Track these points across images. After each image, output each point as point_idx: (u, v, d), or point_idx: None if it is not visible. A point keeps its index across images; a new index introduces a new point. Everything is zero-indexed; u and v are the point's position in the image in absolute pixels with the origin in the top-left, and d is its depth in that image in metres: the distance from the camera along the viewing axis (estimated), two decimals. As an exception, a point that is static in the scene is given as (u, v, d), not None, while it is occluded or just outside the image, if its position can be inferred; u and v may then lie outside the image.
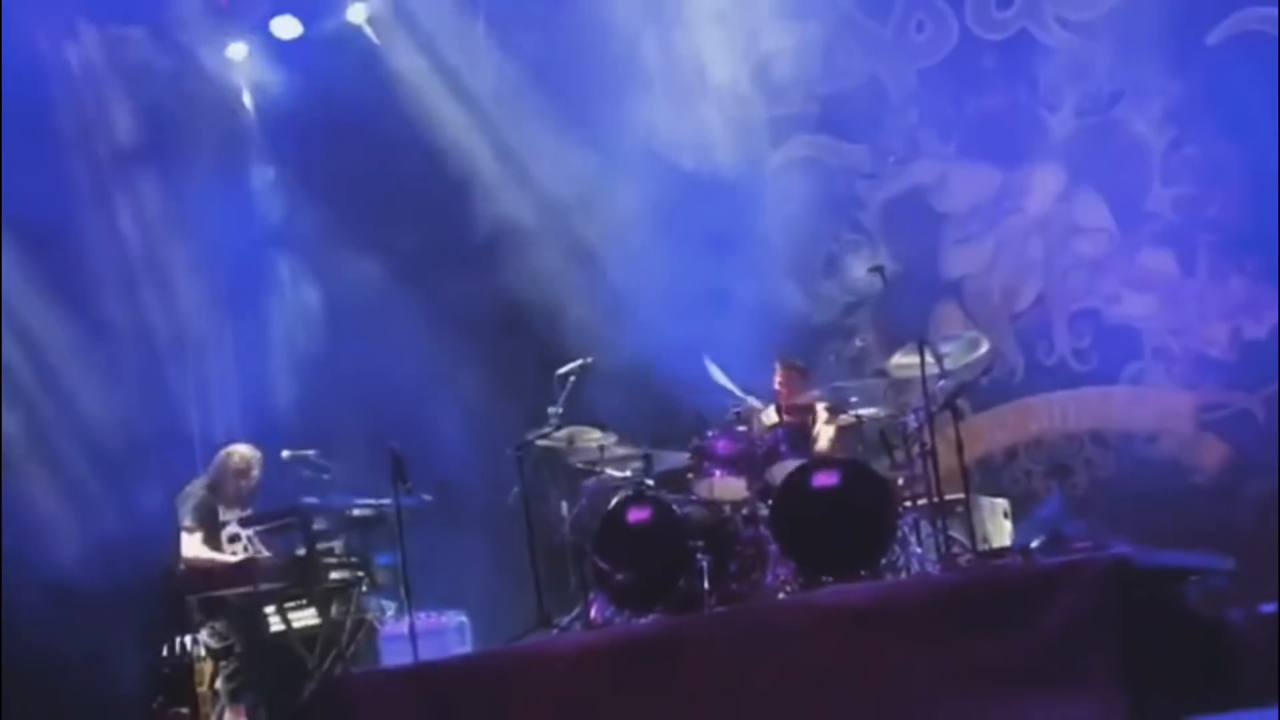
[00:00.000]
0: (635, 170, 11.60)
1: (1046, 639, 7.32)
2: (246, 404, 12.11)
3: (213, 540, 9.88)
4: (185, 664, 9.67)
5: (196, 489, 10.11)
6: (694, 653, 8.06)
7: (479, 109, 12.12)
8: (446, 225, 12.09)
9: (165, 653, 9.73)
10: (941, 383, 8.96)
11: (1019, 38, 11.14)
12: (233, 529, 9.95)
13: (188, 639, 9.74)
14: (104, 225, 11.91)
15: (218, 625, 9.76)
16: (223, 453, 10.28)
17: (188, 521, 9.92)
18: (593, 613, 9.22)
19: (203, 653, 9.71)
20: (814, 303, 11.61)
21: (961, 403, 9.30)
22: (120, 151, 12.05)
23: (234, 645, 9.75)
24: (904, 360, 9.10)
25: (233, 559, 9.84)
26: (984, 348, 9.45)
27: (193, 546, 9.83)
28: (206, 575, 9.77)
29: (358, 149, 12.16)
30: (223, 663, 9.74)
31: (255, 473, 10.16)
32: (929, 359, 8.83)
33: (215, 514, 9.96)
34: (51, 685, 11.12)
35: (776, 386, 10.04)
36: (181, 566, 9.84)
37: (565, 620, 9.30)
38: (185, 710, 9.54)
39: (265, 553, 9.98)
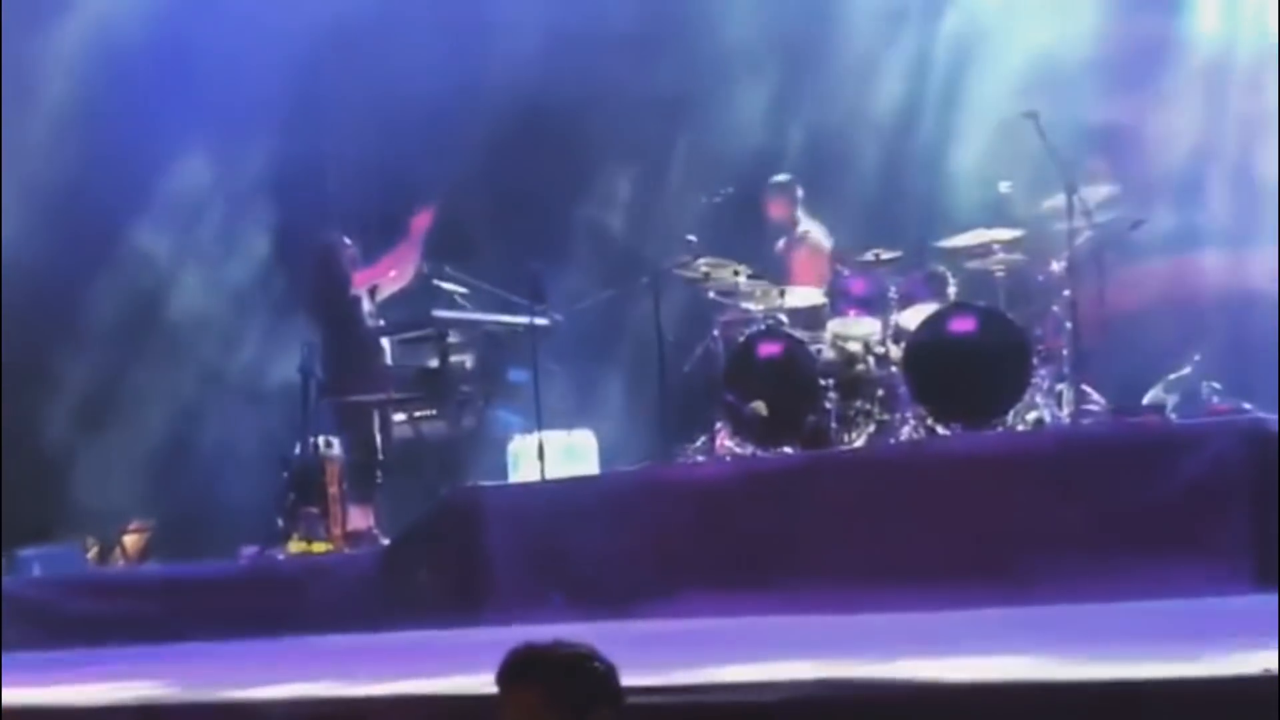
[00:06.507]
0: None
1: (1176, 498, 7.29)
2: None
3: None
4: (316, 464, 9.87)
5: None
6: (820, 489, 8.10)
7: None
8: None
9: (298, 451, 9.95)
10: (1088, 234, 8.79)
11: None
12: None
13: (320, 439, 9.94)
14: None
15: (350, 428, 9.95)
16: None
17: None
18: (718, 443, 9.26)
19: (333, 454, 9.91)
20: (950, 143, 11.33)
21: (1106, 256, 9.16)
22: None
23: (365, 449, 9.94)
24: (1051, 206, 8.94)
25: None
26: (1133, 202, 9.24)
27: None
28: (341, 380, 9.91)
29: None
30: (353, 466, 9.94)
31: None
32: (1076, 208, 8.67)
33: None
34: (185, 473, 11.47)
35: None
36: None
37: (691, 449, 9.36)
38: (315, 509, 9.75)
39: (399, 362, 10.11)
